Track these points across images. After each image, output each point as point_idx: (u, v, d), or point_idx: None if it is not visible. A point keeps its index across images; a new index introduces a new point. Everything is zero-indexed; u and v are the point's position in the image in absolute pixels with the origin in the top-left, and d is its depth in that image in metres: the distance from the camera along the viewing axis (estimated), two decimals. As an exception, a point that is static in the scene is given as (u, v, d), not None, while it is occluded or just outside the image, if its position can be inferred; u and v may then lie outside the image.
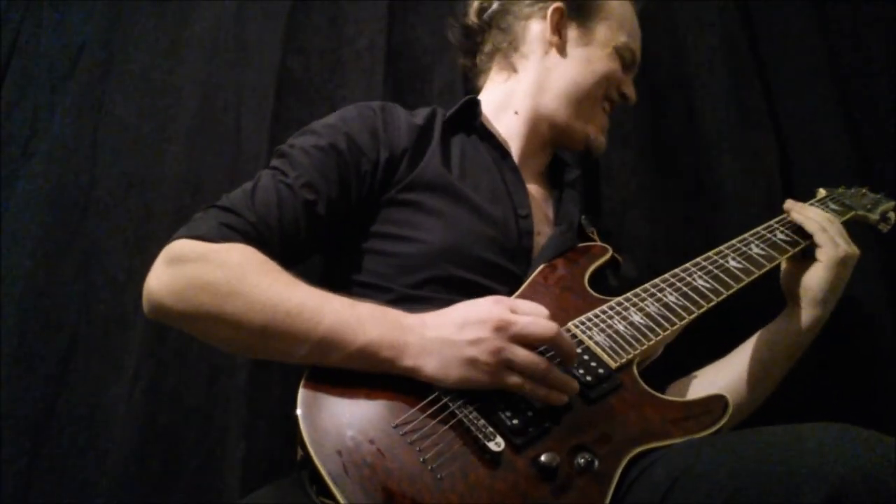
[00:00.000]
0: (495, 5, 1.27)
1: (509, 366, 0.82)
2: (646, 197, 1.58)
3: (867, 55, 1.65)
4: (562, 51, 1.21)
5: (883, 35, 1.64)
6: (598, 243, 1.18)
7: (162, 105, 1.64)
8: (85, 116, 1.62)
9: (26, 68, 1.68)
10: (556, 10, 1.21)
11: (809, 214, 1.11)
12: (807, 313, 1.06)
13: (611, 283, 1.14)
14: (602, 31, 1.21)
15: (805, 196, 1.34)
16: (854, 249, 1.06)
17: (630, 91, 1.26)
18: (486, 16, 1.28)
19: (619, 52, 1.21)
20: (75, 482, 1.34)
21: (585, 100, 1.20)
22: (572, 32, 1.22)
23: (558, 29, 1.22)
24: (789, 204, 1.17)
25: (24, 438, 1.36)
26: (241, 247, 0.91)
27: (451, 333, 0.83)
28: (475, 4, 1.31)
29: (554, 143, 1.25)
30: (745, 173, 1.57)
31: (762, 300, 1.15)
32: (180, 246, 0.92)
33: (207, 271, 0.88)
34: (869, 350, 1.44)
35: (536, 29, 1.23)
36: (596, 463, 0.80)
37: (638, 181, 1.59)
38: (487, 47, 1.29)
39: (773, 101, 1.65)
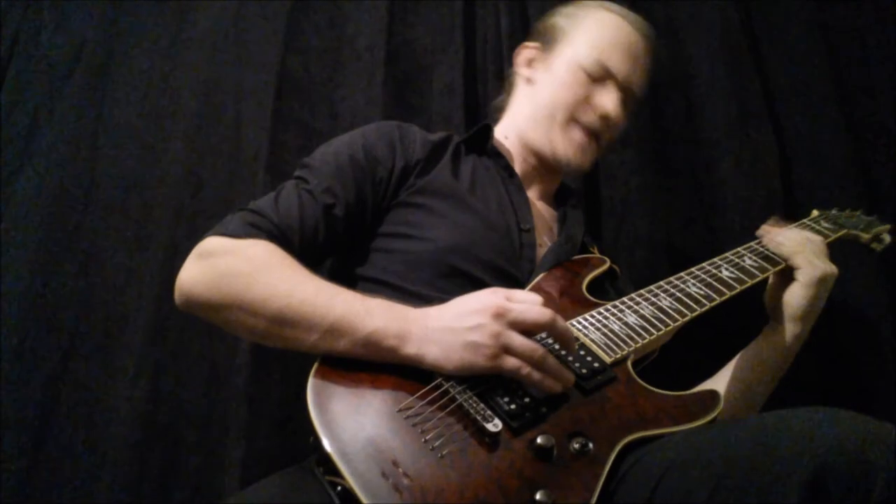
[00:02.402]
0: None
1: (508, 350, 0.86)
2: (646, 197, 1.58)
3: (867, 55, 1.65)
4: (532, 80, 1.29)
5: (883, 35, 1.64)
6: (597, 255, 1.22)
7: (162, 105, 1.64)
8: (85, 116, 1.62)
9: (26, 68, 1.69)
10: (524, 46, 1.32)
11: (781, 240, 1.15)
12: (787, 329, 1.10)
13: (608, 293, 1.16)
14: (563, 52, 1.25)
15: (804, 197, 1.34)
16: (832, 268, 1.09)
17: (603, 102, 1.21)
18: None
19: (581, 67, 1.21)
20: (75, 482, 1.34)
21: (547, 121, 1.23)
22: (541, 62, 1.28)
23: (529, 62, 1.30)
24: (762, 231, 1.20)
25: (24, 438, 1.36)
26: (264, 243, 0.98)
27: (452, 322, 0.87)
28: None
29: (544, 166, 1.28)
30: (745, 173, 1.57)
31: (759, 309, 1.16)
32: (210, 242, 0.99)
33: (234, 263, 0.95)
34: (869, 352, 1.44)
35: (519, 66, 1.32)
36: (590, 445, 0.82)
37: (638, 181, 1.59)
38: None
39: (773, 101, 1.65)
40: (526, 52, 1.31)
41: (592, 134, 1.23)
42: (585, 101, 1.21)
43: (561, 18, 1.30)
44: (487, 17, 1.69)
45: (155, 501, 1.32)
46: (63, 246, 1.51)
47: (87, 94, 1.64)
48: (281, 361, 1.39)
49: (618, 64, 1.22)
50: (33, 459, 1.35)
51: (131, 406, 1.37)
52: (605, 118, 1.21)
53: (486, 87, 1.64)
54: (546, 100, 1.24)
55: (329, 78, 1.64)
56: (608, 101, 1.21)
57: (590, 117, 1.22)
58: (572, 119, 1.22)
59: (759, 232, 1.19)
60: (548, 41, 1.28)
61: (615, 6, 1.28)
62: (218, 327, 0.99)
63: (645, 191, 1.59)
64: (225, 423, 1.36)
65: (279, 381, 1.38)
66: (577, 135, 1.22)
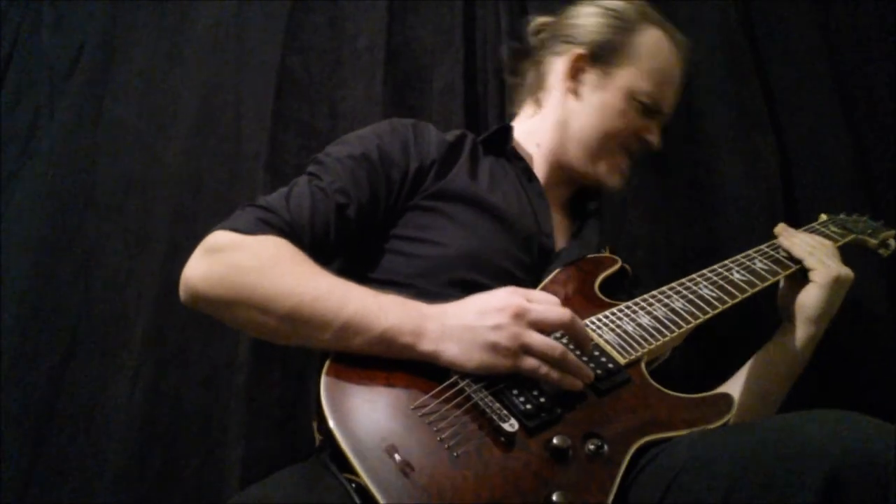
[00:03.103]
0: (545, 34, 1.31)
1: (527, 350, 0.85)
2: (646, 197, 1.58)
3: (867, 55, 1.65)
4: (578, 95, 1.24)
5: (883, 35, 1.64)
6: (609, 255, 1.22)
7: (162, 105, 1.64)
8: (85, 116, 1.62)
9: (26, 68, 1.69)
10: (575, 56, 1.23)
11: (796, 241, 1.15)
12: (801, 331, 1.10)
13: (619, 293, 1.16)
14: (621, 77, 1.21)
15: (804, 197, 1.34)
16: (847, 271, 1.10)
17: (652, 138, 1.24)
18: (535, 40, 1.33)
19: (637, 99, 1.20)
20: (75, 482, 1.34)
21: (597, 146, 1.21)
22: (591, 76, 1.23)
23: (575, 73, 1.24)
24: (780, 228, 1.20)
25: (24, 438, 1.36)
26: (274, 238, 0.96)
27: (471, 320, 0.86)
28: (534, 22, 1.35)
29: (571, 178, 1.28)
30: (745, 173, 1.57)
31: (769, 312, 1.16)
32: (218, 237, 0.97)
33: (242, 259, 0.93)
34: (870, 352, 1.44)
35: (560, 69, 1.25)
36: (605, 448, 0.82)
37: (638, 181, 1.59)
38: (527, 79, 1.33)
39: (773, 102, 1.65)
40: (575, 61, 1.23)
41: (631, 157, 1.26)
42: (634, 130, 1.22)
43: (613, 31, 1.23)
44: (487, 17, 1.69)
45: (155, 501, 1.32)
46: (63, 246, 1.51)
47: (87, 94, 1.64)
48: (281, 361, 1.39)
49: (668, 101, 1.24)
50: (33, 459, 1.35)
51: (131, 406, 1.37)
52: (646, 146, 1.24)
53: (486, 87, 1.64)
54: (597, 125, 1.21)
55: (329, 78, 1.63)
56: (655, 136, 1.24)
57: (634, 145, 1.24)
58: (620, 146, 1.23)
59: (777, 230, 1.20)
60: (600, 57, 1.22)
61: (664, 22, 1.26)
62: (218, 327, 0.99)
63: (645, 191, 1.59)
64: (225, 423, 1.36)
65: (279, 381, 1.38)
66: (623, 161, 1.24)
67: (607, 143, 1.21)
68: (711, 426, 0.88)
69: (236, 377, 1.37)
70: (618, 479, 0.79)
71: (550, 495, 0.75)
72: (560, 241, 1.20)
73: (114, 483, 1.32)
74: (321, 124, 1.59)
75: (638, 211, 1.57)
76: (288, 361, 1.39)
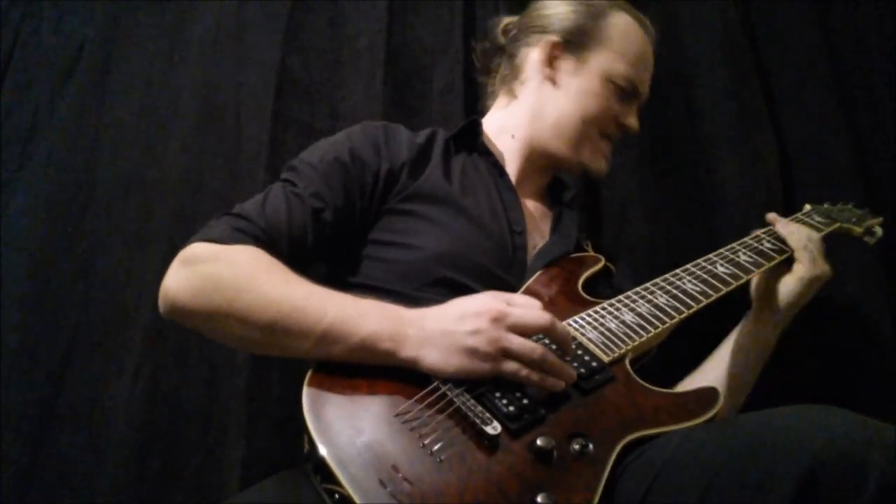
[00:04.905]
0: (514, 30, 1.33)
1: (507, 354, 0.85)
2: (646, 197, 1.58)
3: (867, 55, 1.65)
4: (555, 82, 1.24)
5: (883, 35, 1.65)
6: (592, 253, 1.23)
7: (162, 105, 1.64)
8: (85, 116, 1.62)
9: (26, 68, 1.68)
10: (549, 43, 1.24)
11: (793, 229, 1.18)
12: (771, 317, 1.13)
13: (603, 291, 1.16)
14: (596, 61, 1.22)
15: (804, 197, 1.35)
16: (828, 269, 1.13)
17: (630, 122, 1.25)
18: (506, 38, 1.34)
19: (614, 83, 1.21)
20: (75, 482, 1.34)
21: (577, 132, 1.22)
22: (567, 63, 1.24)
23: (551, 60, 1.25)
24: (773, 217, 1.23)
25: (25, 438, 1.36)
26: (251, 248, 0.96)
27: (450, 325, 0.86)
28: (501, 23, 1.37)
29: (551, 167, 1.29)
30: (745, 173, 1.57)
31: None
32: (195, 248, 0.97)
33: (219, 270, 0.93)
34: (867, 347, 1.44)
35: (535, 58, 1.26)
36: (590, 446, 0.82)
37: (638, 181, 1.59)
38: (500, 73, 1.34)
39: (773, 101, 1.65)
40: (550, 49, 1.24)
41: (611, 141, 1.26)
42: (612, 114, 1.23)
43: (583, 17, 1.24)
44: (487, 17, 1.69)
45: (155, 501, 1.32)
46: (63, 246, 1.51)
47: (87, 94, 1.64)
48: (281, 361, 1.39)
49: (643, 83, 1.26)
50: (33, 459, 1.35)
51: (131, 406, 1.37)
52: (624, 130, 1.26)
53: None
54: (576, 110, 1.21)
55: (329, 78, 1.64)
56: (633, 119, 1.26)
57: (613, 130, 1.25)
58: (600, 131, 1.23)
59: (770, 218, 1.22)
60: (574, 43, 1.23)
61: (632, 9, 1.27)
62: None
63: (645, 191, 1.59)
64: (225, 423, 1.36)
65: (279, 381, 1.38)
66: (604, 146, 1.25)
67: (587, 129, 1.22)
68: (699, 420, 0.88)
69: (236, 377, 1.38)
70: (604, 478, 0.79)
71: (535, 497, 0.74)
72: (536, 235, 1.20)
73: (114, 483, 1.32)
74: (321, 124, 1.59)
75: (638, 211, 1.57)
76: (288, 361, 1.39)
